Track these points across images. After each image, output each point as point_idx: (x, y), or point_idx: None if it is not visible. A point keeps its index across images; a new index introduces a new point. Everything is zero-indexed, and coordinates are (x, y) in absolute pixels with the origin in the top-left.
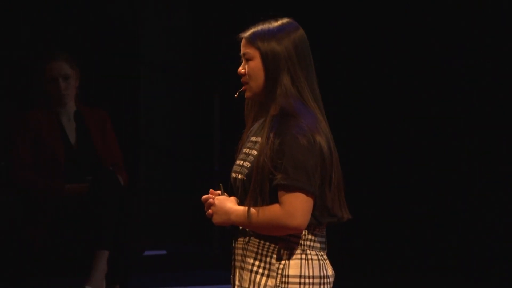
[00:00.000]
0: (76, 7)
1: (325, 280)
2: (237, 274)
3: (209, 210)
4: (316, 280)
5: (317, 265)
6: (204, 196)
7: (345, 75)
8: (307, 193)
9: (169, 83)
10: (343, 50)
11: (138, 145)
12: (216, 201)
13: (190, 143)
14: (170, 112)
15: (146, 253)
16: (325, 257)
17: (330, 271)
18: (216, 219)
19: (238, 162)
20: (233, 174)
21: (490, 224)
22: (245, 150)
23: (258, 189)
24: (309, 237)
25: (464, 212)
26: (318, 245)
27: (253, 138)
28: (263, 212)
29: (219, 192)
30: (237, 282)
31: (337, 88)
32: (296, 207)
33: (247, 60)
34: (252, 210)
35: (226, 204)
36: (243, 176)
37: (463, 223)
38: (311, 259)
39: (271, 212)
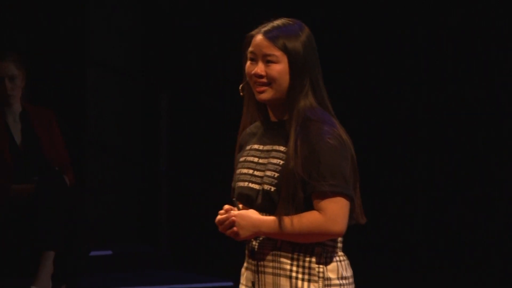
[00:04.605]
0: (23, 6)
1: (351, 280)
2: (266, 280)
3: (233, 228)
4: (351, 280)
5: (348, 265)
6: (221, 217)
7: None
8: (346, 197)
9: (117, 83)
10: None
11: (85, 145)
12: (238, 217)
13: (137, 143)
14: (118, 112)
15: (92, 253)
16: (346, 257)
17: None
18: (244, 234)
19: (245, 171)
20: (242, 184)
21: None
22: (255, 159)
23: (290, 198)
24: (339, 238)
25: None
26: (342, 245)
27: (260, 147)
28: (300, 220)
29: (233, 208)
30: None
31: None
32: (337, 212)
33: (269, 62)
34: (286, 219)
35: (251, 216)
36: (269, 187)
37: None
38: (343, 260)
39: (310, 219)
